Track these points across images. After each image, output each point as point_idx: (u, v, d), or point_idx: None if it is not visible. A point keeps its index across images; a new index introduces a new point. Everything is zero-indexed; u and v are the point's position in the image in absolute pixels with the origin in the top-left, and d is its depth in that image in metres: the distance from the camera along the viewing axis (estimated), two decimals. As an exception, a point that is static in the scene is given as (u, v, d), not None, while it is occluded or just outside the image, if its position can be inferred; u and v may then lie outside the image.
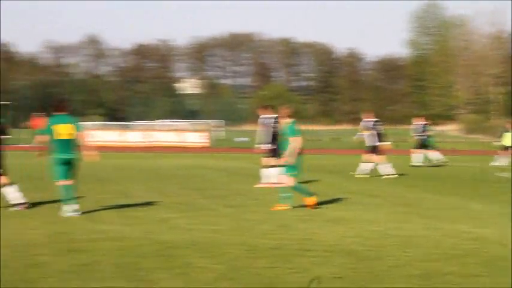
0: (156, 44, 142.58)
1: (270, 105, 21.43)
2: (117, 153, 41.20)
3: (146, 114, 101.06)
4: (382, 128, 25.13)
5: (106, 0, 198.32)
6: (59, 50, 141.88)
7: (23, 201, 14.66)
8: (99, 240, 10.93)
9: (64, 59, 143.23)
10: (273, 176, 19.53)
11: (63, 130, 13.98)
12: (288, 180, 15.34)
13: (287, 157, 15.32)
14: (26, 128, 60.32)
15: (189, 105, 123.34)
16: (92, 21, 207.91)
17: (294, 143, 15.30)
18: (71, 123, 14.13)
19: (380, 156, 24.84)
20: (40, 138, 14.25)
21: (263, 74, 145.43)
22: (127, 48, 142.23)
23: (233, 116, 72.81)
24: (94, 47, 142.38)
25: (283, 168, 15.60)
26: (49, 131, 14.01)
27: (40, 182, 20.43)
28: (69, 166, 14.10)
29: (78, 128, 14.19)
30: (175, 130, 58.39)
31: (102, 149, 46.95)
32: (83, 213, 14.03)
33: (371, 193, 19.06)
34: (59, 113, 14.19)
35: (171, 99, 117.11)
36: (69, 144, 14.00)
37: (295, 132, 15.42)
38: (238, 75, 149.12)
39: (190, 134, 55.53)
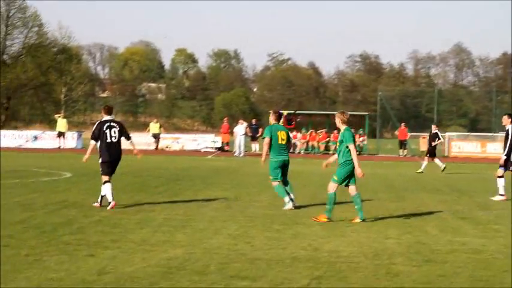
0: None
1: None
2: (477, 165, 40.53)
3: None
4: None
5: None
6: (424, 60, 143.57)
7: None
8: (457, 252, 10.87)
9: (429, 69, 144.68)
10: None
11: (282, 136, 16.09)
12: None
13: None
14: (390, 138, 61.85)
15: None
16: (454, 31, 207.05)
17: None
18: (285, 130, 16.31)
19: None
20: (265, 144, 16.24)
21: None
22: (492, 58, 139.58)
23: None
24: (460, 57, 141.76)
25: None
26: (269, 136, 16.08)
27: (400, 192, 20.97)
28: (285, 168, 16.18)
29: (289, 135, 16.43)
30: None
31: (463, 160, 46.54)
32: (440, 224, 14.10)
33: None
34: (275, 123, 16.33)
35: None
36: (285, 148, 16.17)
37: None
38: None
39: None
